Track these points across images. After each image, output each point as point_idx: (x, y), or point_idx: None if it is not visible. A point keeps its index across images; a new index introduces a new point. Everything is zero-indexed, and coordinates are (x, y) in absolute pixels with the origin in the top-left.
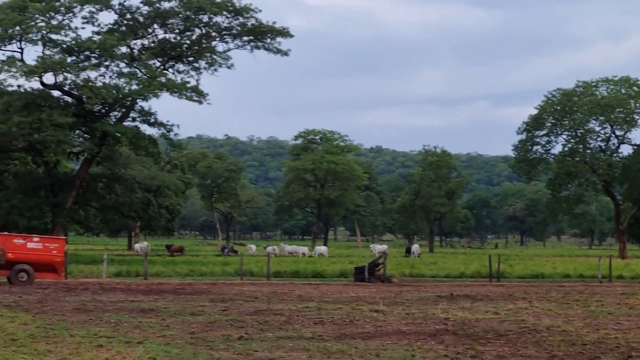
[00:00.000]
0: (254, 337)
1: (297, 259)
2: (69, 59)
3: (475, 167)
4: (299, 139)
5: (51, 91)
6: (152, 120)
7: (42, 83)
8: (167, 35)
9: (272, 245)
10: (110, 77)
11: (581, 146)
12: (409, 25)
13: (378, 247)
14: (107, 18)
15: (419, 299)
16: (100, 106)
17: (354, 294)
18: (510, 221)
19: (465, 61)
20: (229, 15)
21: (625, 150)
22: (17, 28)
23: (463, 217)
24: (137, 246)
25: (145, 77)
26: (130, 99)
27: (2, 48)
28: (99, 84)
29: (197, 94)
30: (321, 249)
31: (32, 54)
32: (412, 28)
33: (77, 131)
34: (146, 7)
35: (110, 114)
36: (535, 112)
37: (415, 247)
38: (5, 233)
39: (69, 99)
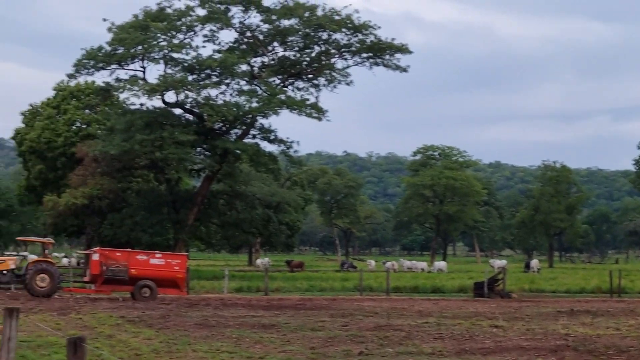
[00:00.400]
0: (374, 352)
1: (416, 275)
2: (190, 77)
3: (596, 182)
4: (417, 155)
5: (172, 109)
6: (272, 137)
7: (163, 101)
8: (287, 53)
9: (391, 260)
10: (230, 94)
11: None
12: (528, 40)
13: (497, 263)
14: (227, 36)
15: (539, 315)
16: (221, 124)
17: (474, 310)
18: (631, 236)
19: (585, 75)
20: (348, 33)
21: None
22: (140, 47)
23: (583, 232)
24: (259, 262)
25: (265, 94)
26: (250, 116)
27: (125, 67)
28: (220, 101)
29: (317, 111)
30: (440, 264)
31: (154, 72)
32: (531, 43)
33: (198, 149)
34: (266, 25)
35: (231, 132)
36: None
37: (534, 263)
38: (129, 250)
39: (190, 117)
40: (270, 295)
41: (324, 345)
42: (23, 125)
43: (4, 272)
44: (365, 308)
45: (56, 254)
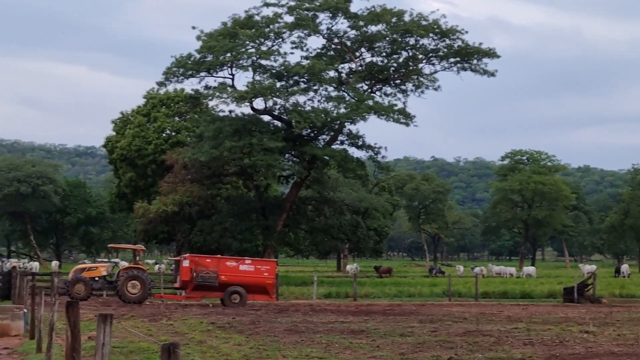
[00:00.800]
0: (463, 358)
1: (504, 280)
2: (278, 84)
3: None
4: (505, 160)
5: (261, 116)
6: (360, 143)
7: (252, 108)
8: (374, 59)
9: (480, 266)
10: (318, 101)
11: None
12: (617, 42)
13: (587, 267)
14: (315, 43)
15: (630, 320)
16: (309, 130)
17: (563, 315)
18: None
19: None
20: (435, 38)
21: None
22: (228, 55)
23: None
24: (348, 267)
25: (353, 100)
26: (338, 122)
27: (214, 74)
28: (308, 108)
29: (404, 116)
30: (529, 269)
31: (242, 79)
32: (620, 45)
33: (287, 155)
34: (353, 32)
35: (319, 138)
36: None
37: (624, 267)
38: (219, 256)
39: (279, 124)
40: (359, 301)
41: (414, 350)
42: (114, 133)
43: (96, 278)
44: (454, 313)
45: (147, 261)
